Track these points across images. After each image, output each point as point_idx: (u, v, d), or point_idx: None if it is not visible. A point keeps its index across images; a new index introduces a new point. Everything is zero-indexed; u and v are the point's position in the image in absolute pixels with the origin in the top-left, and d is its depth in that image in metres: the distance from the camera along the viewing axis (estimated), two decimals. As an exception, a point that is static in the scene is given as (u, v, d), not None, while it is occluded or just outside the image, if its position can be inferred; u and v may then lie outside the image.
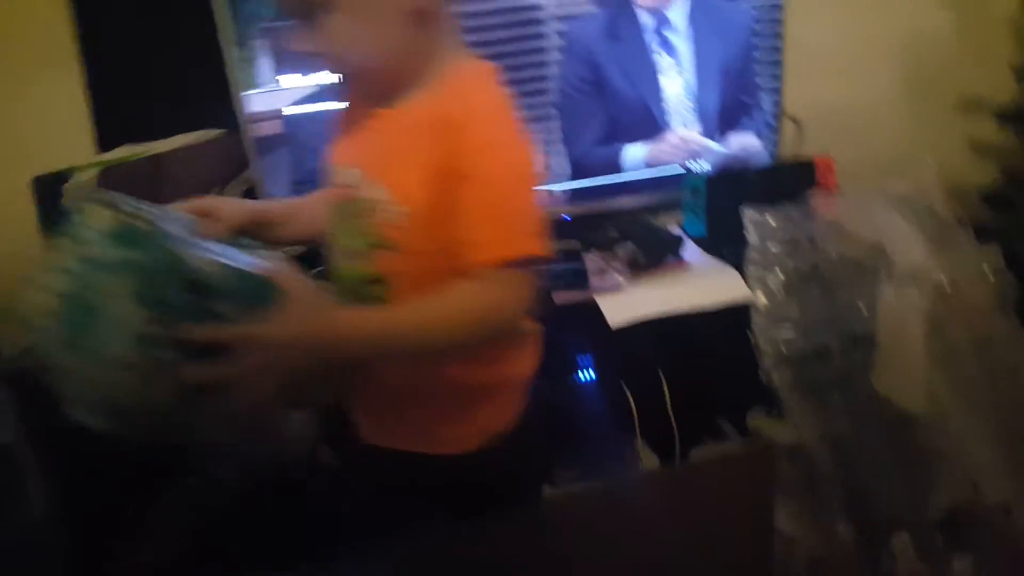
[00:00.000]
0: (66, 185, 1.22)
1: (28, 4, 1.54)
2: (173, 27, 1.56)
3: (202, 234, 0.82)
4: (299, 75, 1.63)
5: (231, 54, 1.50)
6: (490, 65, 0.91)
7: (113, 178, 1.39)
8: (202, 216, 0.88)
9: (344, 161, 0.93)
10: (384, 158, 0.88)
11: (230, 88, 1.53)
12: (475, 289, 0.81)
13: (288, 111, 1.64)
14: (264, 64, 1.59)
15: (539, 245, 0.82)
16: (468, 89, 0.86)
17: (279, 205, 1.04)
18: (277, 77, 1.62)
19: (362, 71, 0.87)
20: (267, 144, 1.61)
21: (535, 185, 0.85)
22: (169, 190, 1.43)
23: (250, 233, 0.92)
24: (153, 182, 1.47)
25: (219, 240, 0.84)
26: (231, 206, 0.93)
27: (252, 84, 1.57)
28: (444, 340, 0.82)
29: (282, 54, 1.58)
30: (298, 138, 1.64)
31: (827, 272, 1.57)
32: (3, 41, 1.53)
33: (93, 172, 1.37)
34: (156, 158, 1.47)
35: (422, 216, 0.85)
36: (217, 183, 1.57)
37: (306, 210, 1.03)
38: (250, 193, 1.60)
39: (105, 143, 1.57)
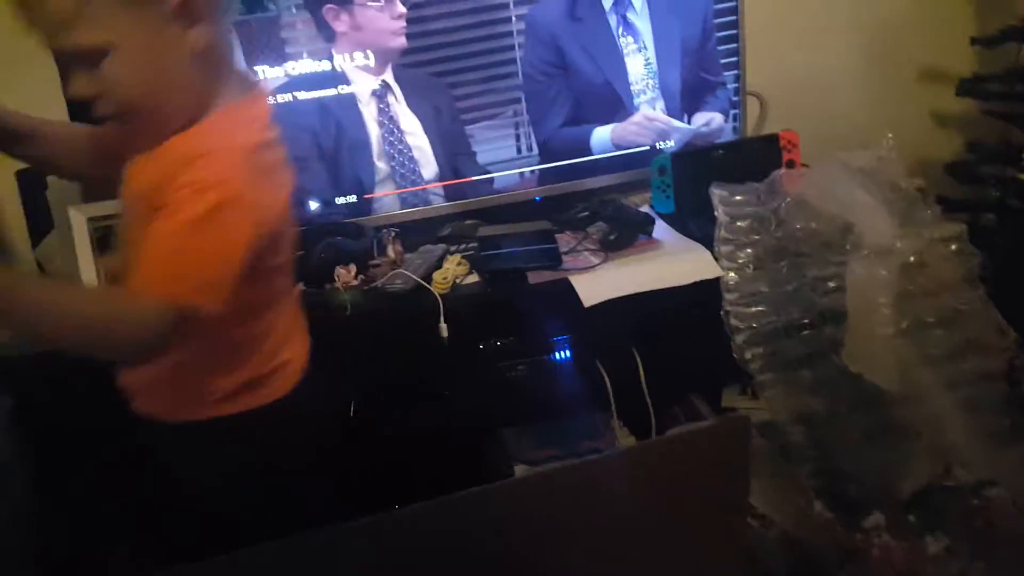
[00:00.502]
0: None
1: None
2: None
3: None
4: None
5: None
6: (261, 106, 0.95)
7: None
8: None
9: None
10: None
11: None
12: (123, 304, 0.85)
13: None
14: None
15: (199, 297, 0.83)
16: (215, 129, 0.88)
17: (21, 120, 1.01)
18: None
19: (138, 112, 0.88)
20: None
21: (242, 238, 0.86)
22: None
23: None
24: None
25: None
26: None
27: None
28: (71, 331, 0.84)
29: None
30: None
31: (794, 248, 1.58)
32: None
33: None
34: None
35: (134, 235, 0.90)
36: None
37: (50, 138, 1.04)
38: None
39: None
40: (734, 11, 1.83)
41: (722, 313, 1.58)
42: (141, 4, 0.82)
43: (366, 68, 1.68)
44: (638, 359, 1.65)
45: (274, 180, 0.93)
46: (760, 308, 1.60)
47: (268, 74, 1.63)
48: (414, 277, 1.54)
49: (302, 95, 1.66)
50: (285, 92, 1.65)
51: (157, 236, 0.83)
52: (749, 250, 1.60)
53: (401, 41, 1.68)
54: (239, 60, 0.91)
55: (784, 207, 1.59)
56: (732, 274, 1.58)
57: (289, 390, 1.05)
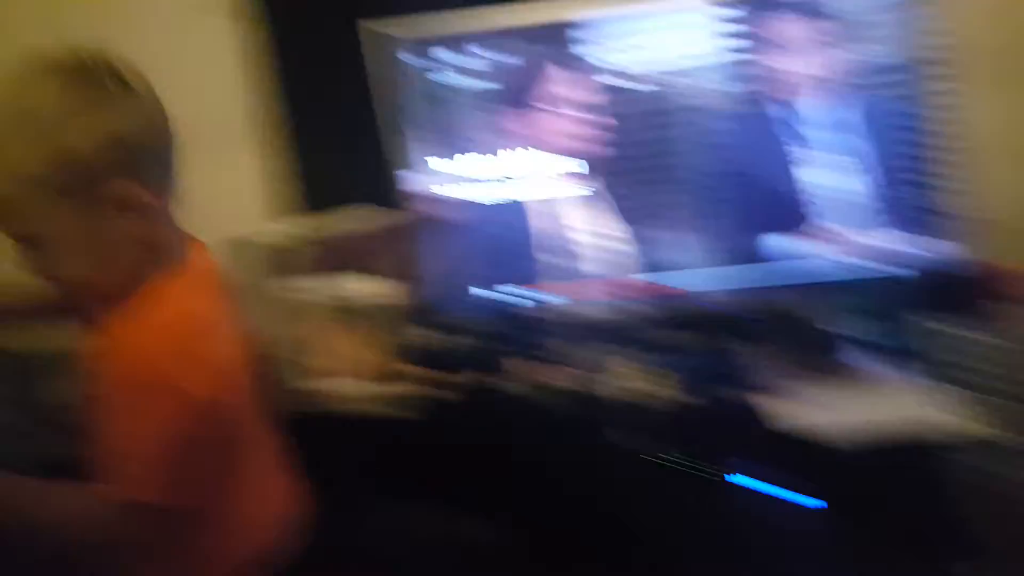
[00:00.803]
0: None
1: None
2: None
3: None
4: (462, 159, 1.69)
5: (393, 134, 1.58)
6: (206, 270, 0.98)
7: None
8: None
9: None
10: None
11: (388, 167, 1.60)
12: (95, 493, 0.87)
13: (448, 193, 1.69)
14: (425, 146, 1.67)
15: (151, 492, 0.85)
16: (152, 322, 0.88)
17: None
18: (437, 159, 1.68)
19: (78, 288, 0.92)
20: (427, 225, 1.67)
21: (191, 422, 0.86)
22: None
23: None
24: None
25: None
26: None
27: (410, 164, 1.65)
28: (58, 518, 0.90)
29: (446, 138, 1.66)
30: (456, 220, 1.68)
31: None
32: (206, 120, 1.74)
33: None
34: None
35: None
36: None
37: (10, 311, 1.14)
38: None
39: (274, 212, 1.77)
40: (941, 122, 1.60)
41: (946, 466, 1.30)
42: (75, 196, 0.85)
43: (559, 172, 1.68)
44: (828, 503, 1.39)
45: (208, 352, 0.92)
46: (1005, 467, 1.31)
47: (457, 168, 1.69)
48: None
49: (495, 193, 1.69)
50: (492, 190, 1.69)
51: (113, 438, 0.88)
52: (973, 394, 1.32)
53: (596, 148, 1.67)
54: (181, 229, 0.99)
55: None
56: (958, 420, 1.31)
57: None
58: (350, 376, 1.40)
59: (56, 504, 0.92)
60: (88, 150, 0.83)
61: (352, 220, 1.68)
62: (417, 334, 1.56)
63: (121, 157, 0.85)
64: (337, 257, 1.61)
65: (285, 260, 1.55)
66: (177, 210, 0.95)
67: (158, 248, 0.93)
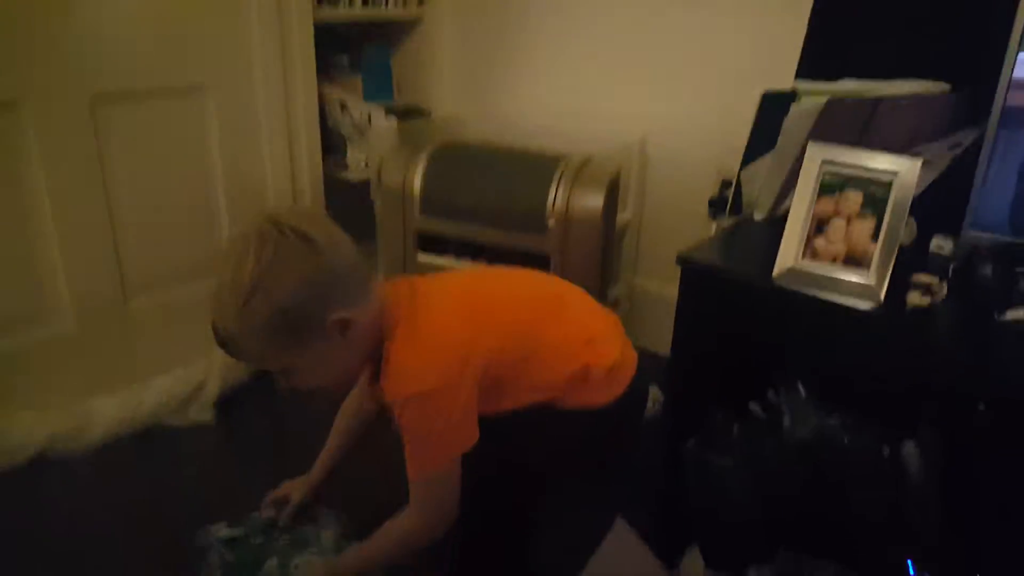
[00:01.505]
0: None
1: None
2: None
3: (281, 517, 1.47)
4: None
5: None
6: (405, 296, 1.22)
7: (834, 111, 1.37)
8: (282, 502, 1.49)
9: None
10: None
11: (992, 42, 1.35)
12: (397, 526, 1.24)
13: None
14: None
15: (456, 451, 1.19)
16: (394, 368, 1.17)
17: (320, 467, 1.53)
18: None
19: (338, 382, 1.33)
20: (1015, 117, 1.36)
21: (450, 400, 1.16)
22: (876, 136, 1.44)
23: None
24: (865, 125, 1.47)
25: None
26: (296, 488, 1.51)
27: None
28: (388, 562, 1.30)
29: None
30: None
31: None
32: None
33: (819, 100, 1.37)
34: (875, 101, 1.43)
35: None
36: (924, 138, 1.52)
37: (328, 457, 1.52)
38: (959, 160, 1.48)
39: (808, 71, 1.68)
40: None
41: None
42: (305, 337, 1.13)
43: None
44: None
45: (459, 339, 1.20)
46: None
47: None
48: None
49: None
50: None
51: (406, 439, 1.18)
52: None
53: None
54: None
55: None
56: None
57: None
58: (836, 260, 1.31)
59: (366, 564, 1.28)
60: (294, 302, 1.08)
61: (904, 88, 1.49)
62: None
63: (321, 294, 1.11)
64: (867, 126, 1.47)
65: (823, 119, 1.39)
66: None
67: (378, 332, 1.19)
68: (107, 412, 1.92)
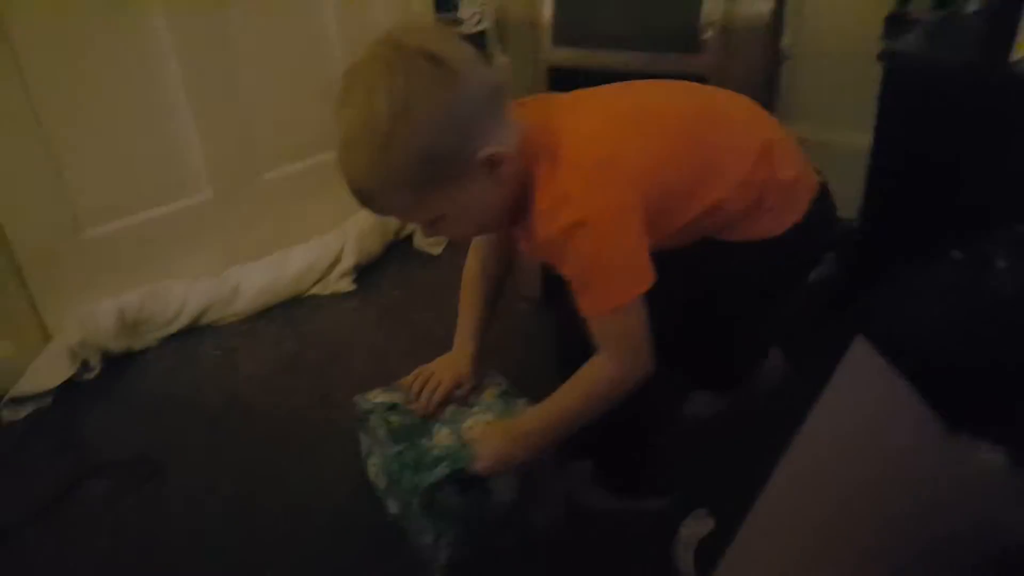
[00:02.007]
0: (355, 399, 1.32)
1: None
2: None
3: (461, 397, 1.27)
4: None
5: None
6: (547, 117, 1.02)
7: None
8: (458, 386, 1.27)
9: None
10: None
11: None
12: (593, 375, 1.06)
13: None
14: None
15: (635, 290, 1.00)
16: (550, 199, 0.99)
17: (465, 341, 1.31)
18: None
19: (487, 228, 1.15)
20: None
21: (631, 228, 0.99)
22: None
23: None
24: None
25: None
26: (446, 367, 1.29)
27: None
28: (582, 420, 1.09)
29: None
30: None
31: None
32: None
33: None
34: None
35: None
36: None
37: (471, 328, 1.31)
38: None
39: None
40: None
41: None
42: (453, 180, 0.95)
43: None
44: None
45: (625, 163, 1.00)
46: None
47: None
48: None
49: None
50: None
51: (575, 275, 1.01)
52: None
53: None
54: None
55: None
56: None
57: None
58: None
59: (556, 422, 1.10)
60: (437, 140, 0.90)
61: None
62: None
63: (464, 127, 0.92)
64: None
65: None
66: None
67: (524, 163, 1.00)
68: (252, 281, 1.93)
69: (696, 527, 1.29)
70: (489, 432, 1.17)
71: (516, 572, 1.25)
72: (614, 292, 1.00)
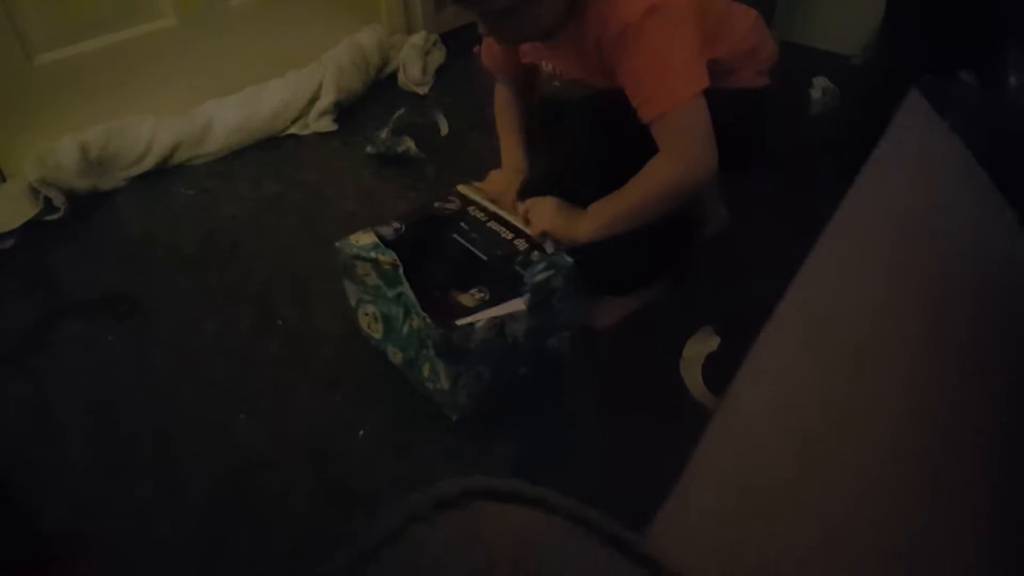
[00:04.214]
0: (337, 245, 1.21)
1: None
2: None
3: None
4: None
5: None
6: None
7: None
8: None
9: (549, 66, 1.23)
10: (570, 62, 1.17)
11: None
12: (660, 174, 1.07)
13: None
14: None
15: (695, 86, 1.02)
16: (603, 11, 1.02)
17: (514, 157, 1.35)
18: None
19: (541, 30, 1.10)
20: None
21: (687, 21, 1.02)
22: None
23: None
24: None
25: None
26: (500, 180, 1.33)
27: None
28: (643, 219, 1.10)
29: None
30: None
31: None
32: None
33: None
34: None
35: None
36: None
37: (516, 143, 1.35)
38: None
39: None
40: None
41: None
42: None
43: None
44: None
45: None
46: None
47: None
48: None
49: None
50: None
51: (642, 68, 1.02)
52: None
53: None
54: None
55: None
56: None
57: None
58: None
59: (619, 216, 1.11)
60: None
61: None
62: None
63: None
64: None
65: None
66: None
67: None
68: (225, 117, 1.78)
69: (702, 344, 1.25)
70: (547, 205, 1.18)
71: (534, 402, 1.19)
72: (681, 86, 1.02)
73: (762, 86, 1.21)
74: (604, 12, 1.02)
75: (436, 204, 1.28)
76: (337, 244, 1.19)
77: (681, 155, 1.05)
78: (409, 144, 1.75)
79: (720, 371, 1.18)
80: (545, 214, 1.17)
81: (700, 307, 1.32)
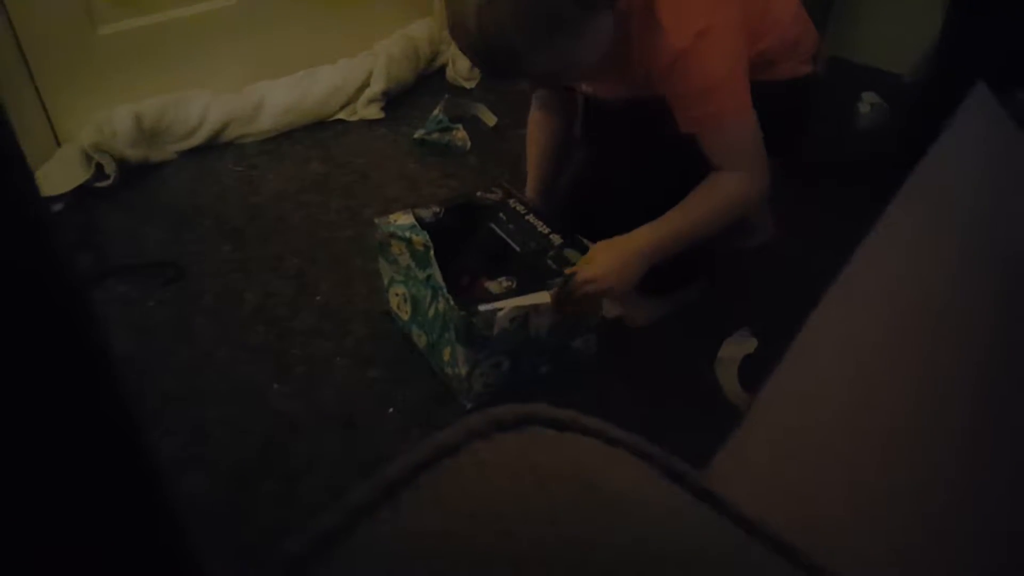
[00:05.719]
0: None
1: None
2: None
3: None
4: None
5: None
6: None
7: None
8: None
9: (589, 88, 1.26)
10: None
11: None
12: (725, 190, 1.07)
13: None
14: None
15: (745, 99, 1.04)
16: (651, 42, 1.02)
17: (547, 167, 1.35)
18: None
19: (590, 70, 1.07)
20: None
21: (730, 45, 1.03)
22: None
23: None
24: None
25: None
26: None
27: None
28: (704, 235, 1.10)
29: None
30: None
31: None
32: None
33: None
34: None
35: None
36: None
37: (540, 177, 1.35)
38: None
39: None
40: None
41: None
42: (592, 15, 0.97)
43: None
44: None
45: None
46: None
47: None
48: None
49: None
50: None
51: (696, 89, 1.03)
52: None
53: None
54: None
55: None
56: None
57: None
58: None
59: (679, 236, 1.10)
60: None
61: None
62: None
63: None
64: None
65: None
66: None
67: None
68: (276, 98, 1.81)
69: (739, 346, 1.24)
70: (602, 249, 1.13)
71: (554, 401, 1.18)
72: (738, 101, 1.04)
73: (806, 73, 1.22)
74: (652, 42, 1.02)
75: (479, 193, 1.29)
76: (376, 220, 1.21)
77: (748, 170, 1.07)
78: (460, 133, 1.77)
79: (756, 374, 1.17)
80: (601, 269, 1.10)
81: (738, 310, 1.31)
